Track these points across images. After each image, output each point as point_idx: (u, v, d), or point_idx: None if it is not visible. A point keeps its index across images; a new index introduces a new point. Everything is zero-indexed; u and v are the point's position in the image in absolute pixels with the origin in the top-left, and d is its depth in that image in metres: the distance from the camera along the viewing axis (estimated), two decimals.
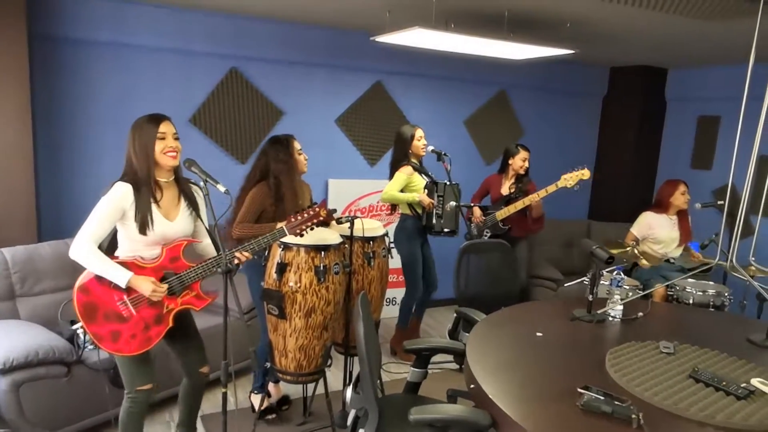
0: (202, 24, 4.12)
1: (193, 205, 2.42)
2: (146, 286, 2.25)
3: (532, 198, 4.07)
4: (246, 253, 2.36)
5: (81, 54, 3.86)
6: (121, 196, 2.22)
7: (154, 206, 2.28)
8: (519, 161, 4.26)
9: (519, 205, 4.12)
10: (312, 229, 2.49)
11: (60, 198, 3.90)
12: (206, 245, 2.50)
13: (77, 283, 2.29)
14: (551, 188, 4.02)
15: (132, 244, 2.31)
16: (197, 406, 2.74)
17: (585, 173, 3.98)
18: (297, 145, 3.09)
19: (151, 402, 2.48)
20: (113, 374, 2.94)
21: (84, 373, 2.88)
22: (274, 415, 3.28)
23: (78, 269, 2.32)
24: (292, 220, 2.46)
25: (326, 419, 3.14)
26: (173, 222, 2.34)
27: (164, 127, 2.27)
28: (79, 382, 2.86)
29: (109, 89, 3.97)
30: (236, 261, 2.34)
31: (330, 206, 4.79)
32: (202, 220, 2.45)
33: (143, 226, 2.25)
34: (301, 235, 2.49)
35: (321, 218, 2.48)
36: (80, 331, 2.97)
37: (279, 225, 2.50)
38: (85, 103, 3.92)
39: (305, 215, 2.47)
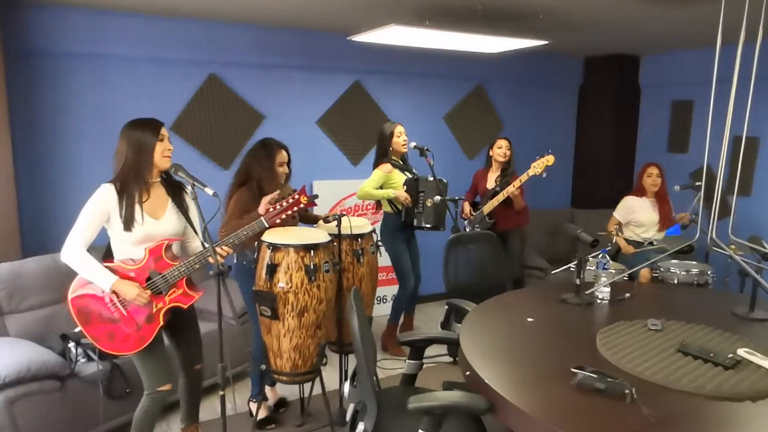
0: (179, 31, 4.11)
1: (179, 205, 2.45)
2: (129, 290, 2.29)
3: (507, 190, 4.13)
4: (226, 248, 2.40)
5: (57, 67, 3.82)
6: (104, 197, 2.28)
7: (137, 205, 2.32)
8: (496, 149, 4.34)
9: (499, 197, 4.18)
10: (293, 216, 2.54)
11: (43, 213, 3.86)
12: (196, 246, 2.53)
13: (71, 287, 2.36)
14: (523, 177, 4.11)
15: (122, 245, 2.36)
16: (198, 399, 2.82)
17: (550, 159, 4.09)
18: (282, 157, 3.06)
19: (168, 403, 2.54)
20: (108, 385, 2.94)
21: (78, 387, 2.86)
22: (273, 426, 3.26)
23: (65, 283, 2.37)
24: (270, 210, 2.53)
25: (324, 419, 3.16)
26: (160, 220, 2.37)
27: (163, 130, 2.35)
28: (74, 396, 2.84)
29: (88, 101, 3.94)
30: (219, 257, 2.33)
31: (316, 208, 4.79)
32: (191, 223, 2.47)
33: (128, 223, 2.29)
34: (281, 225, 2.58)
35: (302, 205, 2.53)
36: (72, 345, 2.96)
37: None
38: (64, 117, 3.89)
39: (284, 203, 2.53)
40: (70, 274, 2.36)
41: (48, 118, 3.84)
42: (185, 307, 2.42)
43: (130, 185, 2.30)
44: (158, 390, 2.43)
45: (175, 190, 2.46)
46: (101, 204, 2.28)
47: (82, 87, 3.92)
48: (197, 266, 2.36)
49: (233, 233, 2.44)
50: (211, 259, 2.30)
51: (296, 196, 2.54)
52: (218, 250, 2.36)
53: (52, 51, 3.77)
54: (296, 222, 3.22)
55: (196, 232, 2.51)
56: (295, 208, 2.55)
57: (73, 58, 3.86)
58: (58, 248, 2.27)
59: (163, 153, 2.33)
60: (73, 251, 2.26)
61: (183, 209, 2.46)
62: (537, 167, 4.07)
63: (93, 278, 2.28)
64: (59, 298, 3.21)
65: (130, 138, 2.30)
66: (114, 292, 2.30)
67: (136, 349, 2.36)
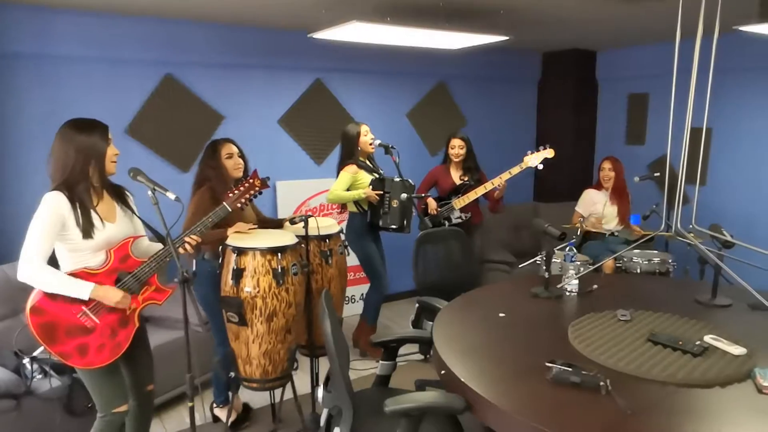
0: (133, 30, 3.96)
1: (125, 204, 2.36)
2: (113, 294, 2.16)
3: (494, 182, 4.12)
4: (194, 237, 2.37)
5: (2, 68, 3.63)
6: (56, 205, 2.10)
7: (92, 210, 2.19)
8: (450, 149, 4.35)
9: (480, 190, 4.18)
10: (251, 200, 2.59)
11: None
12: (148, 244, 2.44)
13: (28, 305, 2.13)
14: (515, 170, 4.09)
15: (76, 255, 2.19)
16: (148, 426, 2.58)
17: (550, 152, 4.11)
18: (227, 150, 2.98)
19: (121, 424, 2.37)
20: (67, 402, 2.81)
21: (35, 405, 2.72)
22: (247, 423, 3.21)
23: (22, 294, 2.19)
24: (230, 195, 2.54)
25: (296, 424, 3.10)
26: (115, 224, 2.27)
27: (110, 133, 2.22)
28: (30, 415, 2.70)
29: (36, 104, 3.75)
30: (188, 246, 2.35)
31: (280, 208, 4.73)
32: (136, 214, 2.39)
33: (87, 230, 2.14)
34: (242, 209, 2.60)
35: (257, 188, 2.58)
36: (26, 361, 2.81)
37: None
38: (10, 120, 3.69)
39: (241, 188, 2.56)
40: (23, 287, 2.17)
41: None
42: (161, 303, 2.34)
43: (80, 191, 2.16)
44: (114, 411, 2.27)
45: (117, 192, 2.35)
46: (55, 213, 2.10)
47: (30, 88, 3.73)
48: (167, 258, 2.27)
49: (199, 221, 2.41)
50: (181, 249, 2.32)
51: (251, 181, 2.58)
52: (187, 239, 2.34)
53: None
54: (254, 214, 3.15)
55: (147, 226, 2.43)
56: (252, 192, 2.57)
57: (18, 58, 3.66)
58: (12, 258, 2.11)
59: (111, 158, 2.21)
60: (35, 269, 2.06)
61: (130, 209, 2.37)
62: (533, 159, 4.08)
63: (66, 291, 2.10)
64: (11, 312, 3.06)
65: (78, 143, 2.13)
66: (91, 299, 2.14)
67: (113, 359, 2.21)
